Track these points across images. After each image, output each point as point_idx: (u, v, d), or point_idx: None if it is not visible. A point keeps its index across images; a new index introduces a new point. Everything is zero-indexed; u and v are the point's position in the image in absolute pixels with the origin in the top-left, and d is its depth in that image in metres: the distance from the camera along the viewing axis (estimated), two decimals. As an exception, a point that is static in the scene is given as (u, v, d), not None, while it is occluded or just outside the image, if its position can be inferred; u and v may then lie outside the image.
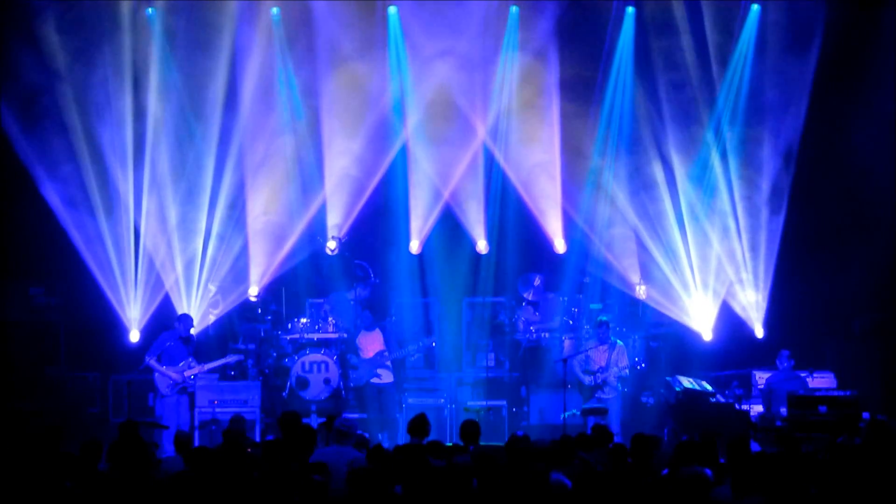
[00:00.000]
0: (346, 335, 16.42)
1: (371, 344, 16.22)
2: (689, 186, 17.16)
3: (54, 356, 17.14)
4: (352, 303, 16.90)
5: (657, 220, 17.23)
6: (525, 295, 17.09)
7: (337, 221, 17.14)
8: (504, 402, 16.47)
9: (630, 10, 17.22)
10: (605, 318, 15.83)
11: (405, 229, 17.33)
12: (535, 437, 11.01)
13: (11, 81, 16.45)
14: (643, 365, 16.18)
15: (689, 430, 13.82)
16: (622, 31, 17.24)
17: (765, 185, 17.03)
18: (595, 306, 17.02)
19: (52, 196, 16.62)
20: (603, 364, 15.55)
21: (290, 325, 16.63)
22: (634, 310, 17.12)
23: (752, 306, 17.05)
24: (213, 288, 16.95)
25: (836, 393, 14.60)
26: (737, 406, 15.00)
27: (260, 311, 16.90)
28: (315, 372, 16.12)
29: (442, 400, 16.47)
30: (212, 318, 16.90)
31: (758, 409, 15.42)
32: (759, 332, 17.01)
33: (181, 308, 16.60)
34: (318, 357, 16.17)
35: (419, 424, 11.02)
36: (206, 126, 16.92)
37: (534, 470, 8.51)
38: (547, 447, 9.78)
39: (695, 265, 17.13)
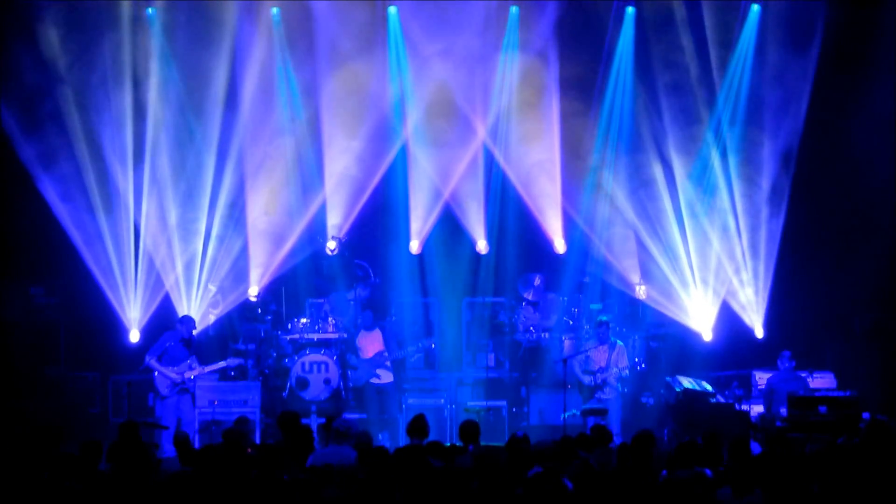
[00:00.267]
0: (346, 335, 16.42)
1: (371, 344, 16.22)
2: (689, 186, 17.16)
3: (54, 356, 17.14)
4: (352, 303, 16.90)
5: (657, 219, 17.23)
6: (525, 295, 17.08)
7: (337, 221, 17.14)
8: (504, 403, 16.47)
9: (630, 10, 17.21)
10: (605, 318, 15.83)
11: (405, 229, 17.33)
12: (535, 438, 11.00)
13: (11, 81, 16.45)
14: (643, 365, 16.18)
15: (689, 431, 13.81)
16: (622, 31, 17.23)
17: (765, 185, 17.03)
18: (595, 306, 17.02)
19: (52, 196, 16.62)
20: (603, 364, 15.54)
21: (290, 326, 16.63)
22: (634, 310, 17.11)
23: (752, 306, 17.04)
24: (213, 288, 16.95)
25: (836, 393, 14.59)
26: (737, 406, 14.99)
27: (260, 311, 16.89)
28: (315, 372, 16.12)
29: (442, 400, 16.46)
30: (212, 318, 16.89)
31: (758, 409, 15.41)
32: (760, 333, 17.00)
33: (181, 308, 16.60)
34: (318, 357, 16.17)
35: (418, 425, 11.02)
36: (206, 126, 16.91)
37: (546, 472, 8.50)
38: (547, 447, 9.78)
39: (695, 265, 17.13)
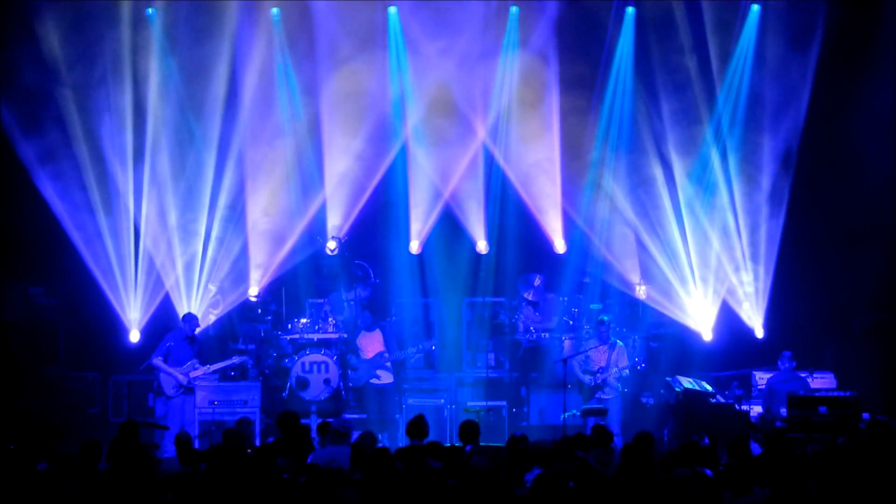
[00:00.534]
0: (346, 335, 16.42)
1: (371, 345, 16.23)
2: (689, 186, 17.15)
3: (54, 356, 17.13)
4: (352, 303, 16.89)
5: (657, 219, 17.23)
6: (525, 295, 17.07)
7: (337, 222, 17.14)
8: (504, 403, 16.47)
9: (630, 10, 17.21)
10: (606, 318, 15.82)
11: (405, 229, 17.33)
12: (535, 438, 11.00)
13: (11, 81, 16.44)
14: (643, 365, 16.17)
15: (689, 431, 13.82)
16: (622, 31, 17.23)
17: (765, 185, 17.03)
18: (595, 306, 17.01)
19: (52, 195, 16.62)
20: (603, 364, 15.54)
21: (290, 326, 16.63)
22: (634, 310, 17.11)
23: (752, 306, 17.04)
24: (213, 288, 16.95)
25: (836, 393, 14.58)
26: (737, 406, 14.99)
27: (260, 311, 16.89)
28: (315, 372, 16.12)
29: (442, 400, 16.47)
30: (212, 319, 16.89)
31: (758, 409, 15.41)
32: (760, 333, 17.00)
33: (181, 308, 16.59)
34: (318, 357, 16.17)
35: (418, 426, 11.02)
36: (206, 126, 16.92)
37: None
38: (544, 447, 9.78)
39: (695, 265, 17.13)
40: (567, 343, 16.55)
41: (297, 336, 16.49)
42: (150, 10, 16.79)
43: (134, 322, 16.80)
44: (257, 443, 14.74)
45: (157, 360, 15.12)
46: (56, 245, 16.72)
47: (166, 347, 15.14)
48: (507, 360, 17.03)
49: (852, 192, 16.89)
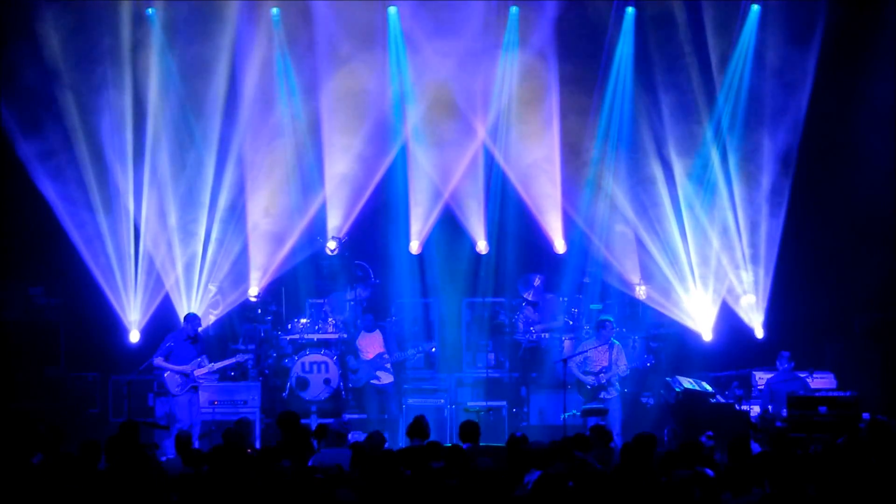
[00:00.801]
0: (346, 336, 16.42)
1: (371, 346, 16.23)
2: (689, 186, 17.15)
3: (54, 356, 17.12)
4: (352, 303, 16.89)
5: (657, 219, 17.22)
6: (525, 295, 17.06)
7: (337, 222, 17.14)
8: (504, 403, 16.47)
9: (630, 10, 17.21)
10: (609, 319, 15.78)
11: (405, 229, 17.33)
12: (535, 438, 11.00)
13: (11, 81, 16.44)
14: (651, 362, 16.11)
15: (689, 431, 13.81)
16: (622, 31, 17.23)
17: (765, 185, 17.02)
18: (595, 306, 17.00)
19: (52, 196, 16.62)
20: (605, 364, 15.52)
21: (290, 326, 16.63)
22: (634, 310, 17.10)
23: (752, 306, 17.03)
24: (213, 288, 16.94)
25: (836, 393, 14.58)
26: (737, 406, 14.98)
27: (260, 311, 16.89)
28: (315, 372, 16.12)
29: (442, 401, 16.46)
30: (212, 319, 16.89)
31: (758, 409, 15.40)
32: (759, 333, 16.99)
33: (181, 308, 16.59)
34: (318, 357, 16.17)
35: (418, 427, 11.02)
36: (206, 126, 16.92)
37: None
38: (541, 448, 9.77)
39: (695, 265, 17.12)
40: (567, 343, 16.54)
41: (297, 336, 16.49)
42: (150, 10, 16.79)
43: (134, 322, 16.79)
44: (257, 443, 14.77)
45: (159, 360, 15.10)
46: (56, 245, 16.73)
47: (167, 348, 15.11)
48: (507, 361, 17.03)
49: (852, 191, 16.90)
